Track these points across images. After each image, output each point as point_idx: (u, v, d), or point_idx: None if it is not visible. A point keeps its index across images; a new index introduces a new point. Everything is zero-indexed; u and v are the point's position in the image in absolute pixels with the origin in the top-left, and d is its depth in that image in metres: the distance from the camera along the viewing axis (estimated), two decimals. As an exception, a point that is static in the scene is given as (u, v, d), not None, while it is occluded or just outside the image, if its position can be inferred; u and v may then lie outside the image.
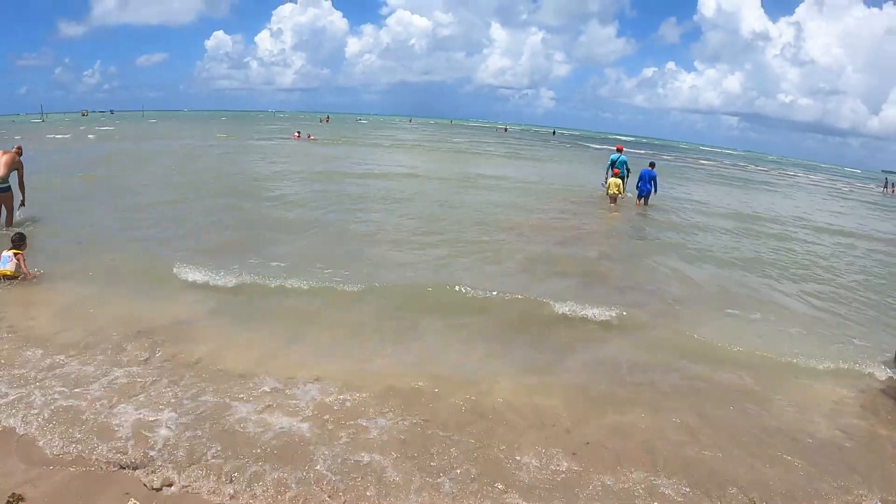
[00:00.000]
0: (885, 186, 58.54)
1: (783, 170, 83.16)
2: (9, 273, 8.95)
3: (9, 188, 12.57)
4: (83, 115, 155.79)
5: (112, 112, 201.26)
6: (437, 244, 12.44)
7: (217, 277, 9.18)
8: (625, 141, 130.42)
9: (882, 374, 7.33)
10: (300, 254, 11.21)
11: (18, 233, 9.58)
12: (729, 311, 9.60)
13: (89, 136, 44.55)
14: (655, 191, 20.15)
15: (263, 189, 18.43)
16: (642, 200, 20.01)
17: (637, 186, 20.23)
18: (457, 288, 9.10)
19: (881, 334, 9.02)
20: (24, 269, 9.05)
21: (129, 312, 7.85)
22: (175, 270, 9.48)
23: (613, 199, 19.85)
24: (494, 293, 9.04)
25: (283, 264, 10.22)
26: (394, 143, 47.85)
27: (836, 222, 21.58)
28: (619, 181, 20.05)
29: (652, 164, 20.64)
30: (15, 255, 9.06)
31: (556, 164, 37.05)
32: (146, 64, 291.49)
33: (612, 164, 21.17)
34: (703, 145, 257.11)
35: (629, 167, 21.70)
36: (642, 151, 71.81)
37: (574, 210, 18.90)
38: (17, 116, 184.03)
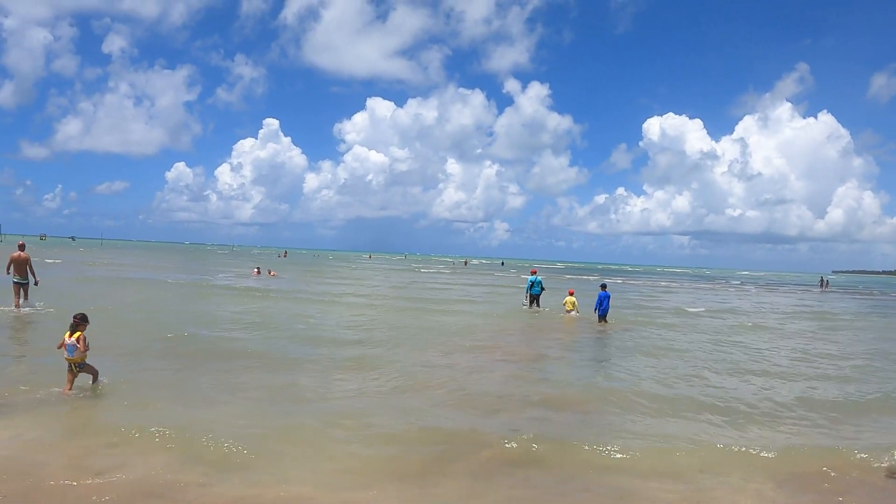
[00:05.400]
0: (821, 285, 77.54)
1: (731, 282, 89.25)
2: (79, 360, 9.29)
3: (26, 282, 18.46)
4: (41, 238, 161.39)
5: (73, 239, 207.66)
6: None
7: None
8: (579, 268, 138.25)
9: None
10: None
11: (81, 313, 9.56)
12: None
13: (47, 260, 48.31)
14: (608, 309, 21.89)
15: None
16: (603, 320, 21.64)
17: (596, 308, 21.94)
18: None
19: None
20: (82, 347, 9.20)
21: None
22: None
23: (569, 312, 23.40)
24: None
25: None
26: (363, 287, 39.62)
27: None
28: (574, 300, 23.62)
29: (603, 286, 22.88)
30: (77, 339, 9.19)
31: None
32: (106, 192, 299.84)
33: (531, 285, 25.95)
34: (658, 266, 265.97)
35: (543, 286, 26.33)
36: (594, 277, 75.03)
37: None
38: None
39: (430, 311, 24.53)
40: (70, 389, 9.30)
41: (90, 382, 9.62)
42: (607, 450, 7.72)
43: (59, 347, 9.37)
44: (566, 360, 14.95)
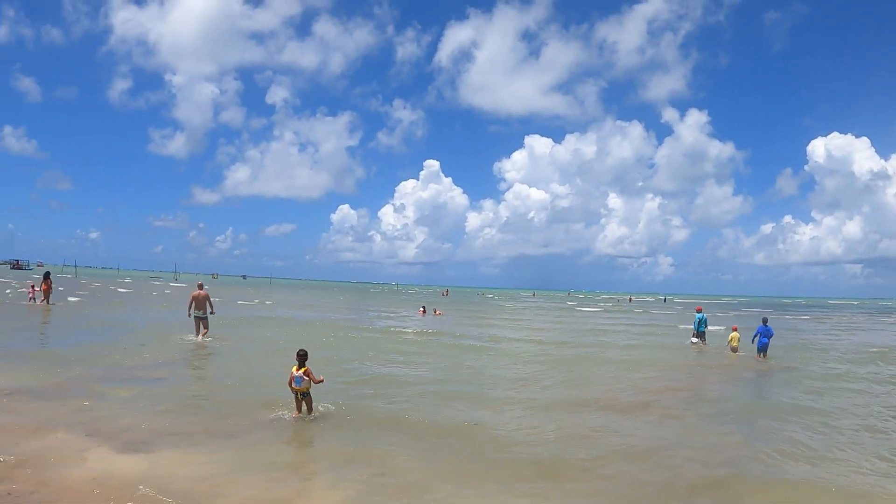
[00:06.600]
0: None
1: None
2: (304, 390, 10.58)
3: (206, 316, 21.06)
4: (213, 277, 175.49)
5: (245, 277, 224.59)
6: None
7: None
8: (745, 301, 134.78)
9: None
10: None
11: (303, 349, 10.74)
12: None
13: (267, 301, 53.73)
14: (766, 343, 22.79)
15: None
16: (761, 354, 22.56)
17: (755, 341, 22.95)
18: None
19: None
20: (314, 380, 10.54)
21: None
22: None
23: (734, 349, 24.01)
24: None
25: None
26: (526, 330, 36.21)
27: None
28: (738, 335, 24.27)
29: (765, 321, 23.81)
30: (304, 372, 10.48)
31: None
32: (274, 234, 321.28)
33: (698, 322, 27.13)
34: (829, 298, 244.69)
35: (707, 323, 27.81)
36: (765, 310, 68.48)
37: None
38: (154, 273, 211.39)
39: (594, 359, 22.98)
40: (298, 413, 10.77)
41: (305, 412, 10.77)
42: None
43: (290, 382, 10.58)
44: (743, 428, 12.31)
